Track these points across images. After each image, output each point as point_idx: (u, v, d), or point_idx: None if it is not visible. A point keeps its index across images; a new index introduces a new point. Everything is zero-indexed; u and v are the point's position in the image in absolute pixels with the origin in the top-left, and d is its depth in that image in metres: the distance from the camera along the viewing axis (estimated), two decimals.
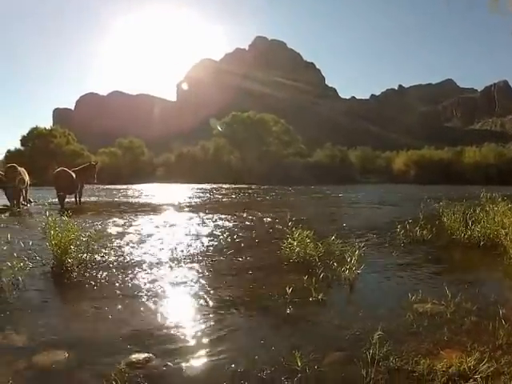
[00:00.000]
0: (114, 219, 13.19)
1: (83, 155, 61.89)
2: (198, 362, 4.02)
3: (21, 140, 69.27)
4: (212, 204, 21.29)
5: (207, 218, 13.98)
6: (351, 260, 6.76)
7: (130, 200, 23.99)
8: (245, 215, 15.05)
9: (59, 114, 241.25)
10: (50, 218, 7.47)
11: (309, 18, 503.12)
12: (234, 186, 41.42)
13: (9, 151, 66.87)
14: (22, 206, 18.25)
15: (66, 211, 8.01)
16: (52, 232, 7.24)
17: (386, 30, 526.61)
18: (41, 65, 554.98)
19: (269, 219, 13.96)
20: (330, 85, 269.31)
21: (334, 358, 3.97)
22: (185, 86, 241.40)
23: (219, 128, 71.31)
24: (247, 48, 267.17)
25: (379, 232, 10.45)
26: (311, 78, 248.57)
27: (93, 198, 22.62)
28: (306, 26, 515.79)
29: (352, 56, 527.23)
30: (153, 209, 18.03)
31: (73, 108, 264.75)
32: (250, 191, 33.35)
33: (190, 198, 25.69)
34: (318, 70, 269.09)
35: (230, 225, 12.72)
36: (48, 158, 52.71)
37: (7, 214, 15.37)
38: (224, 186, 41.44)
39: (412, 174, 67.00)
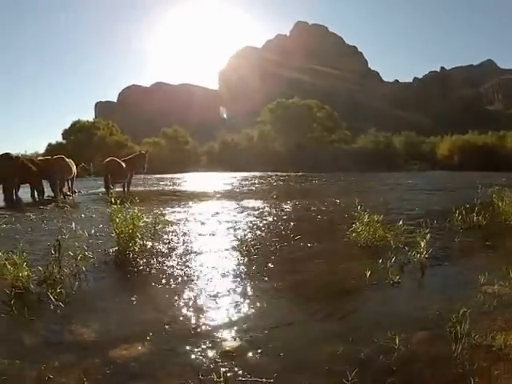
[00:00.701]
0: (163, 208, 13.24)
1: (127, 146, 62.35)
2: (292, 346, 4.08)
3: (62, 134, 69.92)
4: (260, 192, 21.16)
5: (259, 206, 13.97)
6: (420, 244, 6.84)
7: (176, 189, 24.10)
8: (298, 202, 14.94)
9: (101, 107, 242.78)
10: (114, 206, 7.52)
11: (350, 1, 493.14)
12: (278, 173, 41.11)
13: (50, 144, 67.43)
14: (67, 197, 18.65)
15: (127, 200, 8.08)
16: (117, 220, 7.27)
17: (427, 8, 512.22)
18: (81, 59, 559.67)
19: (324, 206, 13.89)
20: (372, 68, 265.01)
21: (420, 336, 4.21)
22: (226, 75, 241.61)
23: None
24: (288, 34, 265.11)
25: (437, 218, 10.32)
26: (353, 62, 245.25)
27: (138, 188, 22.74)
28: (346, 9, 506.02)
29: (395, 38, 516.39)
30: (200, 197, 18.06)
31: (115, 100, 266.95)
32: (295, 179, 33.19)
33: (236, 186, 25.65)
34: (361, 54, 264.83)
35: (286, 212, 12.69)
36: (91, 150, 53.14)
37: (52, 205, 15.34)
38: (269, 173, 41.23)
39: (456, 160, 64.72)
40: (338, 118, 76.63)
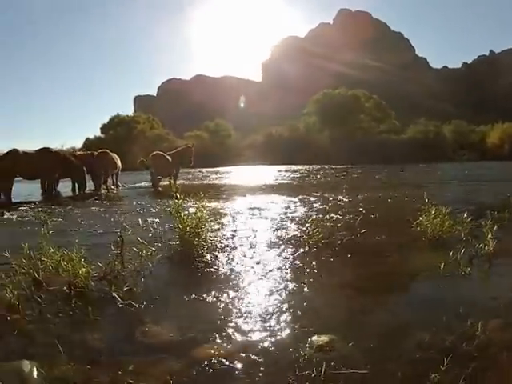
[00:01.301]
0: (214, 201, 13.13)
1: (168, 140, 62.74)
2: (378, 337, 4.03)
3: (101, 128, 71.43)
4: (308, 185, 20.85)
5: (309, 200, 13.70)
6: (487, 236, 6.73)
7: (220, 182, 24.09)
8: (350, 195, 14.54)
9: (140, 101, 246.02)
10: (177, 201, 7.39)
11: None
12: (325, 166, 40.70)
13: (87, 139, 68.66)
14: (111, 190, 19.08)
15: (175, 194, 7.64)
16: (182, 214, 7.18)
17: None
18: (120, 53, 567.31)
19: (383, 199, 13.73)
20: (420, 55, 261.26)
21: (495, 324, 4.23)
22: (269, 66, 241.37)
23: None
24: (331, 22, 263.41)
25: (502, 208, 9.82)
26: (399, 49, 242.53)
27: (182, 181, 22.35)
28: None
29: (442, 21, 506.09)
30: (249, 191, 17.88)
31: (155, 94, 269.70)
32: (344, 171, 32.59)
33: (281, 179, 25.45)
34: (407, 40, 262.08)
35: (344, 205, 12.41)
36: (131, 144, 53.85)
37: (95, 198, 15.75)
38: (314, 166, 40.84)
39: (507, 149, 63.02)
40: (387, 107, 75.39)
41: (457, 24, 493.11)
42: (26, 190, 19.17)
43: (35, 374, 3.47)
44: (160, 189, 18.81)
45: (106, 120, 72.10)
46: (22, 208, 13.40)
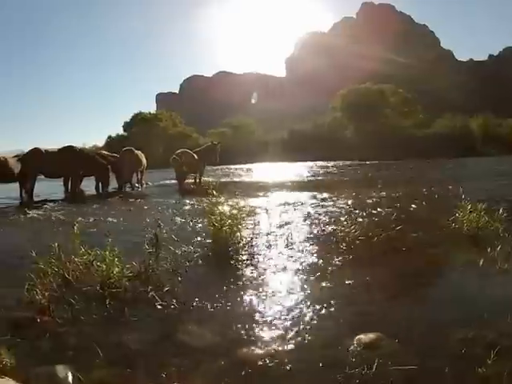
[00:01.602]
0: (240, 199, 12.85)
1: (191, 137, 62.90)
2: (421, 333, 4.07)
3: (123, 126, 71.61)
4: (337, 181, 20.83)
5: (340, 196, 13.51)
6: None
7: (247, 180, 23.99)
8: (381, 191, 14.30)
9: (163, 99, 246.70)
10: (211, 198, 7.49)
11: None
12: (351, 162, 40.46)
13: (110, 137, 69.29)
14: (136, 188, 19.16)
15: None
16: (217, 212, 7.14)
17: None
18: (141, 50, 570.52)
19: (416, 195, 13.30)
20: (445, 47, 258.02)
21: None
22: (292, 61, 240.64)
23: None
24: (355, 16, 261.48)
25: None
26: (424, 42, 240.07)
27: (207, 179, 22.24)
28: None
29: (468, 12, 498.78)
30: (277, 187, 17.75)
31: (177, 91, 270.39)
32: (371, 167, 32.28)
33: (309, 175, 25.25)
34: (432, 32, 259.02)
35: (372, 202, 12.27)
36: (154, 142, 53.69)
37: (119, 197, 15.83)
38: (341, 162, 40.35)
39: None
40: (413, 101, 74.52)
41: (483, 14, 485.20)
42: (47, 188, 19.13)
43: (70, 379, 3.39)
44: (191, 186, 18.98)
45: (128, 118, 72.26)
46: (46, 206, 13.35)
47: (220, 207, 7.30)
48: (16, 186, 17.01)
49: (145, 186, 20.60)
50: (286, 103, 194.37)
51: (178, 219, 9.61)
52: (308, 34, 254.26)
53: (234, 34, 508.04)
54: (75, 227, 5.85)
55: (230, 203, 7.60)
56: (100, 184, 18.54)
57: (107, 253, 5.41)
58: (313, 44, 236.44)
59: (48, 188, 19.12)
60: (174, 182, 20.67)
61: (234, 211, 7.23)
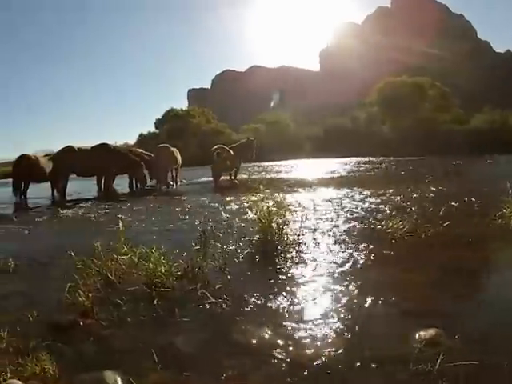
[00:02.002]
0: (281, 195, 12.64)
1: (224, 133, 62.56)
2: (480, 331, 3.91)
3: (155, 123, 71.90)
4: (375, 178, 20.59)
5: (383, 192, 13.23)
6: None
7: (284, 176, 23.56)
8: (424, 188, 13.96)
9: (194, 95, 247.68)
10: (256, 196, 7.47)
11: None
12: (389, 158, 39.55)
13: (141, 135, 69.41)
14: (170, 186, 19.11)
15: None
16: (264, 208, 7.03)
17: None
18: (172, 47, 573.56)
19: (460, 192, 12.96)
20: (482, 38, 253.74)
21: None
22: (326, 54, 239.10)
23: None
24: (389, 6, 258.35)
25: None
26: (461, 32, 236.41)
27: (242, 176, 22.39)
28: None
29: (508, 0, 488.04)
30: (313, 184, 17.39)
31: (209, 87, 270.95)
32: (409, 163, 31.34)
33: (346, 172, 24.89)
34: (468, 22, 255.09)
35: (415, 198, 11.98)
36: (186, 139, 53.85)
37: (154, 195, 15.77)
38: (378, 158, 39.67)
39: None
40: (451, 95, 73.20)
41: None
42: (78, 187, 19.26)
43: None
44: (228, 183, 18.81)
45: (159, 115, 72.64)
46: (80, 206, 13.32)
47: (266, 203, 7.18)
48: (47, 185, 17.13)
49: (179, 183, 20.56)
50: (320, 97, 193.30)
51: (223, 216, 9.46)
52: (341, 27, 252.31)
53: (266, 28, 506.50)
54: (120, 224, 5.70)
55: (276, 199, 7.40)
56: (134, 182, 18.69)
57: (153, 251, 5.29)
58: (346, 36, 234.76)
59: (79, 187, 19.27)
60: (208, 179, 20.55)
61: (280, 207, 7.12)
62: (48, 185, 17.17)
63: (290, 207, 8.35)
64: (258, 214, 7.03)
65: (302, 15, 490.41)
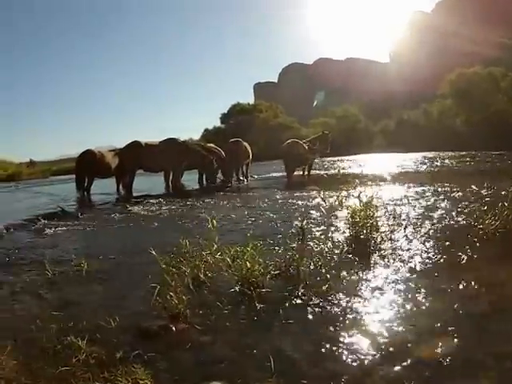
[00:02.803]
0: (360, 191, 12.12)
1: (293, 128, 61.78)
2: None
3: (220, 118, 72.39)
4: (455, 173, 19.58)
5: (462, 188, 12.38)
6: None
7: (357, 171, 22.30)
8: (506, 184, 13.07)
9: (261, 88, 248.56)
10: (346, 191, 7.49)
11: None
12: (462, 152, 38.19)
13: (206, 130, 69.95)
14: (241, 181, 19.02)
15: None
16: (354, 205, 6.92)
17: None
18: (238, 42, 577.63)
19: None
20: None
21: None
22: (395, 46, 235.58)
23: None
24: None
25: None
26: None
27: (315, 171, 21.87)
28: None
29: None
30: (390, 179, 16.97)
31: (275, 81, 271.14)
32: (486, 158, 29.87)
33: (422, 167, 24.04)
34: None
35: (503, 194, 10.84)
36: (253, 133, 53.41)
37: (226, 190, 15.70)
38: (454, 153, 38.23)
39: None
40: None
41: None
42: (143, 183, 19.05)
43: None
44: (307, 178, 18.48)
45: (225, 110, 73.40)
46: (148, 202, 13.07)
47: (359, 199, 7.02)
48: (107, 181, 17.54)
49: (250, 178, 20.33)
50: (392, 89, 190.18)
51: (312, 213, 9.10)
52: (411, 16, 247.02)
53: (334, 20, 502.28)
54: (209, 221, 5.42)
55: (366, 195, 7.10)
56: (204, 177, 18.42)
57: (248, 249, 4.96)
58: (416, 26, 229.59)
59: (144, 183, 19.11)
60: (279, 174, 20.53)
61: (370, 203, 6.92)
62: (107, 181, 17.52)
63: (377, 203, 7.90)
64: (350, 209, 6.85)
65: (369, 5, 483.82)
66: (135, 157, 16.50)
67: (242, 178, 19.60)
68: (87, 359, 3.39)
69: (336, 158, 36.91)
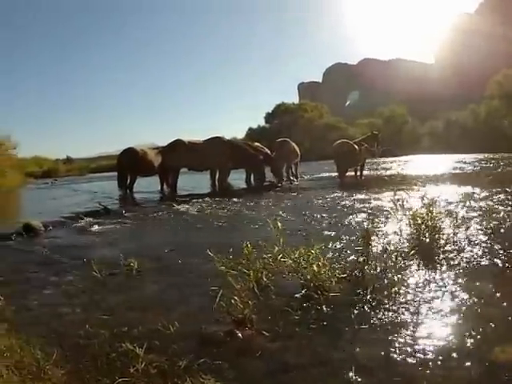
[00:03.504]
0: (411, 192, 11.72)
1: (339, 128, 61.60)
2: None
3: (265, 117, 72.66)
4: (505, 177, 18.64)
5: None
6: None
7: (406, 173, 21.93)
8: None
9: (305, 88, 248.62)
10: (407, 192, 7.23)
11: None
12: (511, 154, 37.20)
13: (250, 129, 70.66)
14: (291, 181, 18.64)
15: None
16: (416, 207, 6.70)
17: None
18: (282, 42, 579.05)
19: None
20: None
21: None
22: (441, 47, 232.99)
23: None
24: None
25: None
26: None
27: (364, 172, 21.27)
28: None
29: None
30: (440, 181, 16.21)
31: (319, 80, 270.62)
32: None
33: (473, 168, 23.36)
34: None
35: None
36: (298, 133, 53.13)
37: (276, 190, 15.47)
38: (502, 154, 37.07)
39: None
40: None
41: None
42: (187, 182, 19.12)
43: None
44: (359, 179, 18.25)
45: (269, 109, 73.47)
46: (195, 201, 12.92)
47: (416, 201, 7.03)
48: (150, 179, 17.60)
49: (300, 179, 20.14)
50: (437, 91, 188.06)
51: (372, 214, 8.93)
52: (455, 17, 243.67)
53: (379, 20, 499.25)
54: (273, 221, 5.23)
55: (426, 197, 6.82)
56: (252, 177, 18.36)
57: (314, 251, 4.78)
58: (461, 27, 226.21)
59: (187, 181, 19.12)
60: (329, 175, 20.45)
61: (432, 205, 6.64)
62: (150, 179, 17.56)
63: (436, 205, 7.51)
64: (413, 211, 6.63)
65: (414, 6, 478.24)
66: (178, 156, 16.41)
67: (291, 177, 19.31)
68: (147, 369, 3.14)
69: (382, 159, 36.19)
